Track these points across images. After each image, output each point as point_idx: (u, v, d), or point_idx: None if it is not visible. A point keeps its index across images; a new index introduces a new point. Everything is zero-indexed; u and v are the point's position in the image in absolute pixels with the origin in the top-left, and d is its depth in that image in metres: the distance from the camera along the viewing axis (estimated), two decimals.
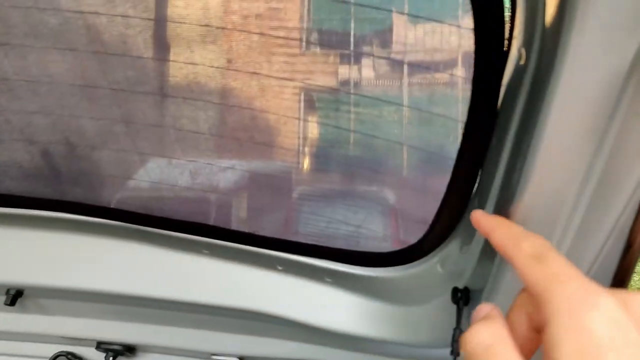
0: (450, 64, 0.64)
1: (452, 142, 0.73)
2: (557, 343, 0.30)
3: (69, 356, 1.09)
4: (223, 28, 0.72)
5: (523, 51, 0.50)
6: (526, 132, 0.53)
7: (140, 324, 1.05)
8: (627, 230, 0.59)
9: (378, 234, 0.89)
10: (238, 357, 1.04)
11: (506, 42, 0.53)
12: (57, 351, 1.08)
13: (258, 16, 0.73)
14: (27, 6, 0.67)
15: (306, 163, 0.88)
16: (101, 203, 0.97)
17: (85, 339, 1.07)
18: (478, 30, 0.52)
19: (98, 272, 0.97)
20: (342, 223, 0.91)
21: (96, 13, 0.71)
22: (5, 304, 0.98)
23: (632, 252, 0.61)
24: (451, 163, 0.74)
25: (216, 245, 0.91)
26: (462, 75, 0.64)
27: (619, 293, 0.35)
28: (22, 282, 0.98)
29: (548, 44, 0.46)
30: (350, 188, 0.90)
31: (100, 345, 1.07)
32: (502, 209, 0.61)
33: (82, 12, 0.71)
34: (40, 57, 0.73)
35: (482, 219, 0.49)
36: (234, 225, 0.95)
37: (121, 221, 0.92)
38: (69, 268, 0.97)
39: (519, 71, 0.52)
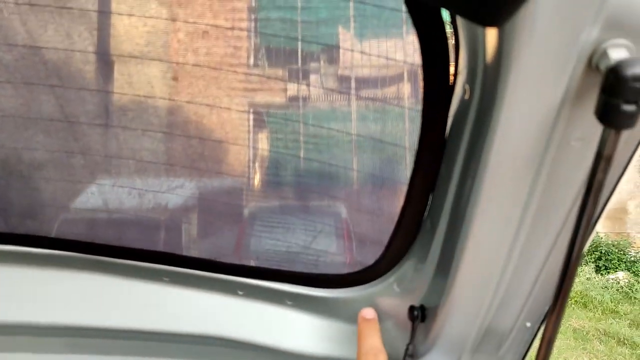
0: (400, 95, 0.68)
1: (401, 163, 0.78)
2: None
3: None
4: (168, 46, 0.74)
5: (467, 87, 0.55)
6: (472, 160, 0.58)
7: (94, 355, 1.02)
8: (564, 247, 0.65)
9: (335, 256, 0.92)
10: None
11: (452, 77, 0.58)
12: None
13: (205, 33, 0.74)
14: None
15: (258, 184, 0.90)
16: (49, 233, 0.95)
17: None
18: (426, 67, 0.57)
19: (52, 305, 0.95)
20: (298, 246, 0.93)
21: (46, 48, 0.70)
22: None
23: (572, 263, 0.67)
24: (400, 185, 0.78)
25: (176, 273, 0.91)
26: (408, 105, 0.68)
27: None
28: None
29: (489, 80, 0.51)
30: (304, 210, 0.92)
31: None
32: (453, 232, 0.66)
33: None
34: None
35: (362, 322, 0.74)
36: (188, 250, 0.96)
37: (75, 251, 0.90)
38: (13, 302, 0.94)
39: (464, 105, 0.57)
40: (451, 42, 0.55)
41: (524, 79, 0.46)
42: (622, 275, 6.51)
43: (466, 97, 0.56)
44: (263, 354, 0.95)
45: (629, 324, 4.95)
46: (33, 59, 0.73)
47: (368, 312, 0.73)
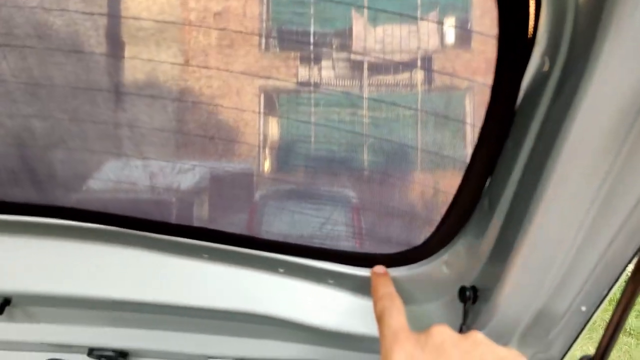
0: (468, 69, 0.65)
1: (460, 139, 0.74)
2: None
3: None
4: (180, 23, 0.71)
5: (546, 58, 0.51)
6: (546, 136, 0.54)
7: (133, 329, 1.03)
8: (632, 229, 0.61)
9: (381, 235, 0.89)
10: (234, 359, 1.02)
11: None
12: (47, 359, 1.05)
13: (217, 14, 0.72)
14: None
15: (304, 159, 0.87)
16: (91, 207, 0.94)
17: (76, 346, 1.04)
18: (501, 35, 0.53)
19: (89, 278, 0.94)
20: (343, 223, 0.91)
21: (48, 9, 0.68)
22: None
23: None
24: (457, 163, 0.75)
25: (216, 249, 0.89)
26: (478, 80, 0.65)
27: (418, 335, 0.60)
28: (9, 290, 0.94)
29: (577, 51, 0.47)
30: (351, 187, 0.90)
31: (92, 352, 1.04)
32: (515, 213, 0.63)
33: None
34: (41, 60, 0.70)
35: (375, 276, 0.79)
36: (228, 226, 0.94)
37: (116, 226, 0.89)
38: (59, 275, 0.94)
39: (541, 78, 0.53)
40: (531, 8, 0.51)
41: (620, 52, 0.43)
42: (629, 267, 6.41)
43: (545, 68, 0.52)
44: (303, 332, 0.94)
45: (636, 315, 4.89)
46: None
47: (379, 268, 0.80)
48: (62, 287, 0.94)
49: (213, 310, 0.90)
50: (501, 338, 0.80)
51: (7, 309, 0.95)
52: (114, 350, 1.04)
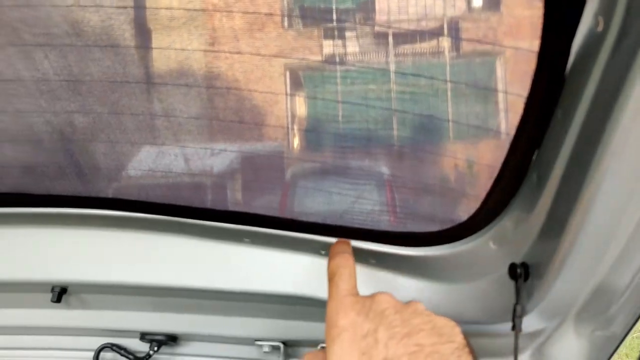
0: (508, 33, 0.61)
1: (503, 110, 0.71)
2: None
3: (114, 347, 1.09)
4: (204, 10, 0.70)
5: (600, 18, 0.48)
6: (599, 107, 0.51)
7: (182, 314, 1.05)
8: None
9: (423, 213, 0.87)
10: (281, 342, 1.03)
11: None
12: (102, 343, 1.09)
13: None
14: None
15: (341, 139, 0.86)
16: (137, 197, 0.96)
17: (129, 331, 1.08)
18: None
19: (140, 266, 0.97)
20: (382, 202, 0.89)
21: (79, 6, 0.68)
22: (52, 301, 0.98)
23: None
24: (501, 134, 0.71)
25: (258, 233, 0.90)
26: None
27: (364, 300, 0.63)
28: (66, 279, 0.98)
29: (635, 9, 0.43)
30: (389, 165, 0.88)
31: (144, 336, 1.07)
32: (569, 185, 0.59)
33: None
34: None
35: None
36: (269, 210, 0.94)
37: (159, 214, 0.91)
38: (111, 263, 0.97)
39: (595, 39, 0.49)
40: None
41: None
42: None
43: (598, 29, 0.48)
44: None
45: None
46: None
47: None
48: (113, 275, 0.97)
49: (258, 294, 0.91)
50: (556, 315, 0.77)
51: (64, 297, 0.99)
52: (164, 335, 1.07)
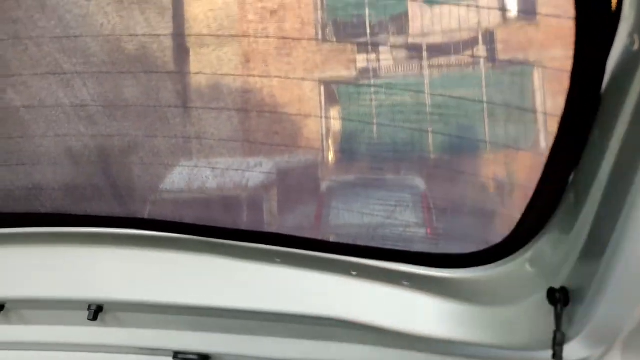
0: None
1: (538, 130, 0.69)
2: None
3: None
4: (237, 36, 0.72)
5: (636, 36, 0.46)
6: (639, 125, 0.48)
7: (215, 333, 1.06)
8: None
9: (455, 234, 0.85)
10: None
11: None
12: None
13: (273, 12, 0.71)
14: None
15: (371, 160, 0.85)
16: (171, 218, 0.98)
17: (162, 349, 1.09)
18: (580, 11, 0.48)
19: (173, 285, 0.98)
20: (415, 224, 0.88)
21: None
22: (88, 319, 1.00)
23: None
24: (536, 155, 0.69)
25: (288, 254, 0.90)
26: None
27: None
28: (102, 298, 1.00)
29: None
30: (421, 186, 0.87)
31: (177, 355, 1.08)
32: (611, 206, 0.57)
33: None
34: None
35: None
36: (300, 231, 0.95)
37: (192, 235, 0.92)
38: (147, 283, 0.99)
39: (631, 57, 0.47)
40: None
41: None
42: None
43: (635, 47, 0.47)
44: (377, 335, 0.92)
45: None
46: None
47: None
48: (148, 294, 0.99)
49: (287, 315, 0.91)
50: (601, 343, 0.73)
51: (100, 315, 1.01)
52: (197, 354, 1.07)
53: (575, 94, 0.53)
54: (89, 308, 1.01)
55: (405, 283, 0.87)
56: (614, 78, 0.51)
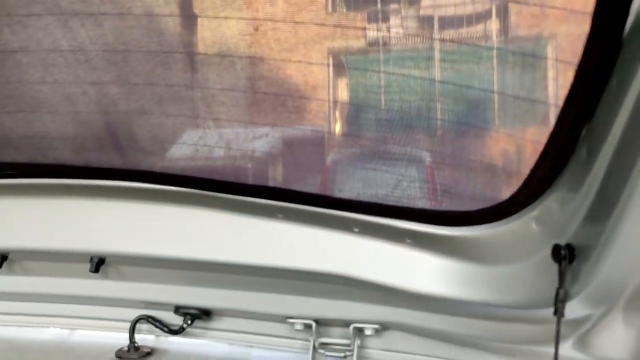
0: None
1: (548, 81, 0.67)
2: None
3: (149, 319, 1.12)
4: None
5: None
6: None
7: (216, 289, 1.06)
8: None
9: (461, 191, 0.84)
10: (313, 320, 1.03)
11: None
12: (137, 315, 1.11)
13: None
14: None
15: (382, 118, 0.84)
16: (174, 171, 0.97)
17: (164, 304, 1.09)
18: None
19: (176, 239, 0.98)
20: (419, 179, 0.86)
21: None
22: (90, 271, 1.00)
23: None
24: (547, 107, 0.67)
25: (290, 209, 0.89)
26: None
27: None
28: (104, 250, 1.00)
29: None
30: (426, 141, 0.85)
31: (178, 309, 1.09)
32: (623, 162, 0.55)
33: None
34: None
35: None
36: (301, 185, 0.94)
37: (195, 188, 0.91)
38: (149, 236, 0.99)
39: None
40: None
41: None
42: None
43: None
44: (380, 292, 0.91)
45: None
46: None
47: None
48: (150, 248, 0.99)
49: (290, 270, 0.91)
50: (603, 302, 0.73)
51: (102, 267, 1.02)
52: (198, 308, 1.08)
53: (596, 38, 0.51)
54: (91, 260, 1.01)
55: (409, 241, 0.86)
56: (637, 24, 0.49)
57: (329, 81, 0.81)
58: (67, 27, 0.72)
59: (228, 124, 0.89)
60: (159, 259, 1.00)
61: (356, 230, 0.88)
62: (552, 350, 0.85)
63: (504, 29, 0.65)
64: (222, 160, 0.94)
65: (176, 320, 1.10)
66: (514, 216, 0.75)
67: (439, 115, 0.78)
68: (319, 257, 0.90)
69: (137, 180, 0.96)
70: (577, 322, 0.79)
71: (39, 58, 0.77)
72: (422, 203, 0.84)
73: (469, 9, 0.68)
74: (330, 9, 0.73)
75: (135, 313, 1.11)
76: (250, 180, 0.97)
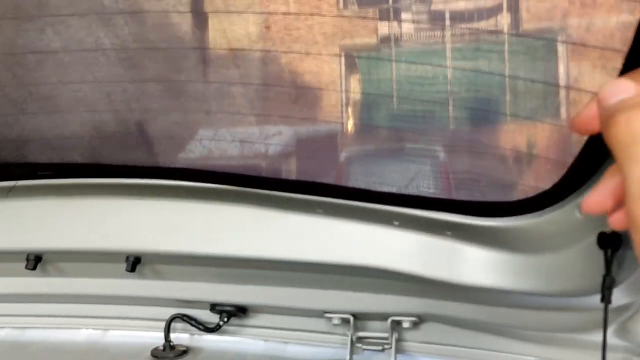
0: None
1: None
2: None
3: (185, 318, 1.12)
4: None
5: None
6: None
7: (252, 285, 1.06)
8: None
9: (503, 181, 0.85)
10: (351, 314, 1.03)
11: None
12: (172, 313, 1.12)
13: None
14: None
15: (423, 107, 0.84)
16: (209, 167, 0.97)
17: (199, 302, 1.10)
18: None
19: (212, 236, 0.98)
20: (460, 170, 0.87)
21: None
22: (127, 270, 1.01)
23: None
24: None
25: (330, 204, 0.89)
26: None
27: None
28: (139, 249, 1.01)
29: None
30: (467, 131, 0.86)
31: (214, 307, 1.09)
32: None
33: None
34: None
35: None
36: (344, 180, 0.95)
37: (230, 184, 0.92)
38: (184, 234, 0.99)
39: None
40: None
41: None
42: None
43: None
44: (417, 284, 0.92)
45: None
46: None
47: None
48: (186, 246, 0.99)
49: (329, 265, 0.91)
50: None
51: (138, 267, 1.02)
52: (234, 305, 1.09)
53: None
54: (127, 260, 1.02)
55: (449, 233, 0.86)
56: None
57: (341, 77, 0.81)
58: (110, 25, 0.73)
59: (245, 120, 0.89)
60: (196, 257, 1.00)
61: (396, 223, 0.88)
62: (591, 337, 0.86)
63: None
64: (254, 152, 0.95)
65: (212, 318, 1.11)
66: (556, 205, 0.76)
67: (478, 103, 0.79)
68: (360, 251, 0.90)
69: (172, 178, 0.96)
70: (621, 309, 0.80)
71: (80, 57, 0.78)
72: (462, 194, 0.84)
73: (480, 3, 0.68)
74: (342, 5, 0.74)
75: (170, 312, 1.12)
76: (284, 174, 0.97)
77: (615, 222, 0.35)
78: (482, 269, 0.84)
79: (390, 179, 0.90)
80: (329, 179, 0.96)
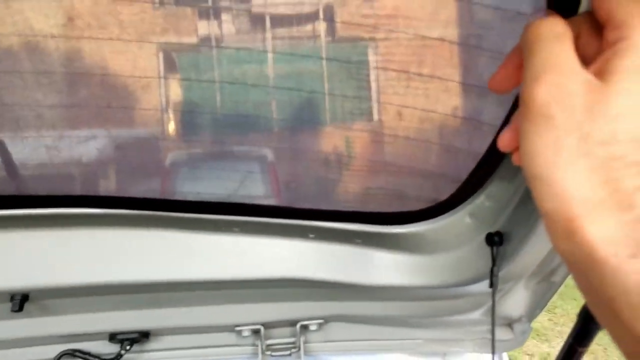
0: None
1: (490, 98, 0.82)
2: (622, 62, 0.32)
3: (76, 353, 1.02)
4: None
5: None
6: None
7: (157, 309, 1.02)
8: None
9: (405, 194, 0.96)
10: (261, 324, 1.07)
11: None
12: (61, 350, 1.01)
13: None
14: None
15: (340, 124, 0.90)
16: (98, 193, 0.90)
17: (95, 333, 1.02)
18: None
19: (104, 264, 0.92)
20: (372, 187, 0.96)
21: None
22: (13, 310, 0.88)
23: None
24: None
25: (246, 222, 0.91)
26: None
27: None
28: (26, 285, 0.89)
29: None
30: (376, 150, 0.95)
31: (114, 337, 1.02)
32: None
33: None
34: None
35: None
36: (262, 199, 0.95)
37: (146, 209, 0.87)
38: (74, 264, 0.91)
39: None
40: None
41: None
42: None
43: None
44: (324, 290, 1.00)
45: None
46: None
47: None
48: (79, 277, 0.91)
49: (252, 281, 0.93)
50: (517, 276, 0.92)
51: (25, 305, 0.91)
52: (136, 332, 1.03)
53: None
54: (13, 299, 0.89)
55: (358, 241, 0.95)
56: None
57: (159, 80, 0.78)
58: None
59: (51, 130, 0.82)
60: (89, 287, 0.93)
61: (312, 236, 0.94)
62: (468, 316, 1.05)
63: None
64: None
65: (111, 348, 1.03)
66: (451, 212, 0.90)
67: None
68: (277, 265, 0.94)
69: (59, 206, 0.87)
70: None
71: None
72: (370, 206, 0.94)
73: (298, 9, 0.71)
74: (157, 3, 0.71)
75: (59, 349, 1.01)
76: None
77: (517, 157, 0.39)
78: (389, 270, 0.95)
79: (219, 184, 0.93)
80: (154, 184, 0.93)
